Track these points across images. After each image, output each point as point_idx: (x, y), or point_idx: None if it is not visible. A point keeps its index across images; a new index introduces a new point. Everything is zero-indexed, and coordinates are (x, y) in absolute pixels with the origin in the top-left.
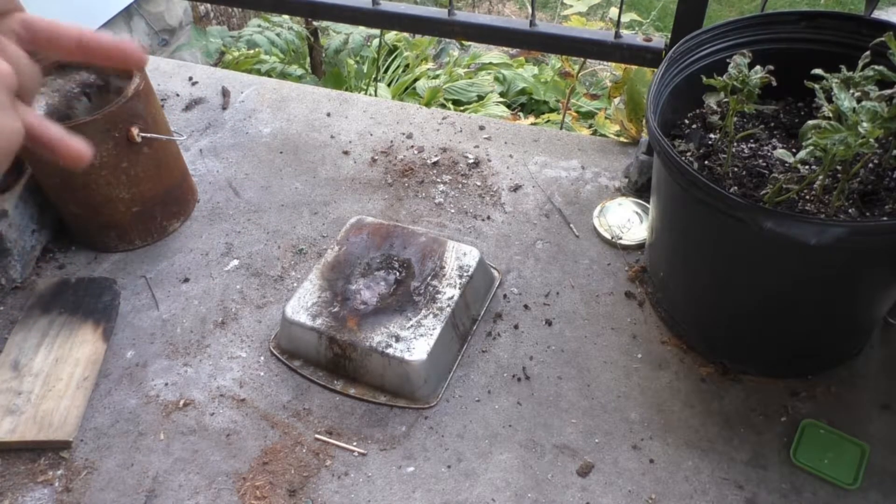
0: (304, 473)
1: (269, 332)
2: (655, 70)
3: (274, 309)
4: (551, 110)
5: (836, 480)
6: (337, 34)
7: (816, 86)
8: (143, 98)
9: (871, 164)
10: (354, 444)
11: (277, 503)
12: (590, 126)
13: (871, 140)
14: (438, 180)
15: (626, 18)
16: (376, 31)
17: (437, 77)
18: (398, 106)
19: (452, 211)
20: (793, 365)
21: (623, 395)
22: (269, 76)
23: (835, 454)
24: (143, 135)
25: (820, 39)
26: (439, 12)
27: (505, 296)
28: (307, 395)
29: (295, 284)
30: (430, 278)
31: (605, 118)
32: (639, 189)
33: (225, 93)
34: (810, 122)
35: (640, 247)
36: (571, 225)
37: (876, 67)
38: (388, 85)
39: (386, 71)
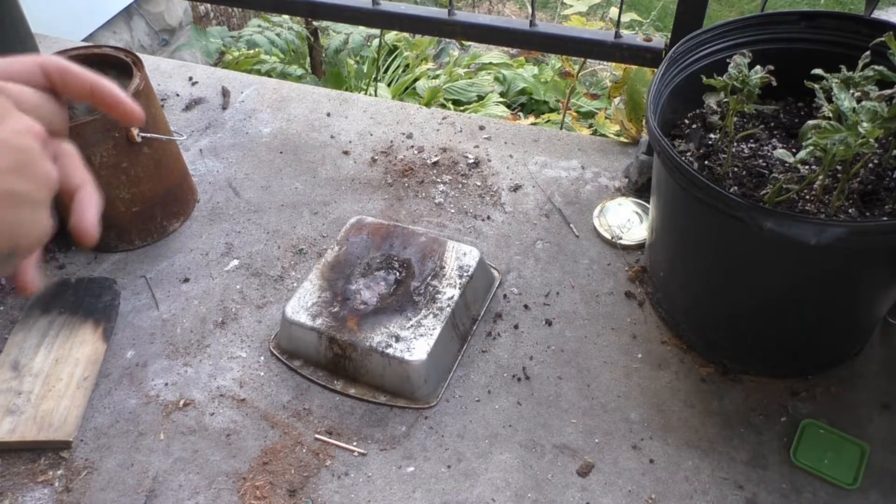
0: (304, 473)
1: (269, 332)
2: (655, 70)
3: (274, 309)
4: (551, 110)
5: (836, 480)
6: (337, 34)
7: (816, 86)
8: (143, 98)
9: (871, 164)
10: (354, 444)
11: (277, 503)
12: (590, 126)
13: (871, 140)
14: (438, 180)
15: (626, 18)
16: (376, 31)
17: (437, 77)
18: (398, 106)
19: (452, 211)
20: (793, 365)
21: (623, 395)
22: (269, 76)
23: (835, 454)
24: (143, 135)
25: (820, 39)
26: (439, 12)
27: (505, 296)
28: (307, 395)
29: (295, 284)
30: (430, 278)
31: (605, 118)
32: (639, 189)
33: (225, 93)
34: (810, 122)
35: (640, 247)
36: (571, 225)
37: (876, 67)
38: (388, 85)
39: (386, 71)
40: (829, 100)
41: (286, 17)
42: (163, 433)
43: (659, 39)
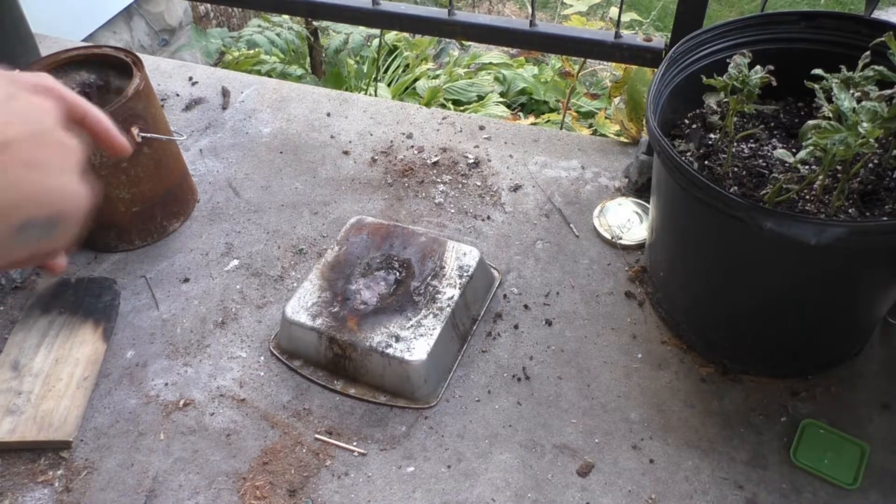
0: (304, 473)
1: (269, 332)
2: (655, 70)
3: (274, 309)
4: (551, 110)
5: (836, 480)
6: (337, 34)
7: (816, 86)
8: (143, 98)
9: (871, 164)
10: (354, 444)
11: (277, 503)
12: (590, 126)
13: (871, 140)
14: (438, 180)
15: (626, 18)
16: (376, 31)
17: (437, 77)
18: (398, 106)
19: (452, 211)
20: (793, 365)
21: (623, 395)
22: (269, 76)
23: (835, 454)
24: (143, 135)
25: (820, 39)
26: (439, 12)
27: (505, 296)
28: (307, 395)
29: (295, 284)
30: (430, 278)
31: (605, 118)
32: (639, 189)
33: (225, 93)
34: (810, 122)
35: (640, 247)
36: (571, 225)
37: (876, 67)
38: (388, 85)
39: (386, 71)
40: (829, 100)
41: (286, 17)
42: (163, 433)
43: (659, 39)
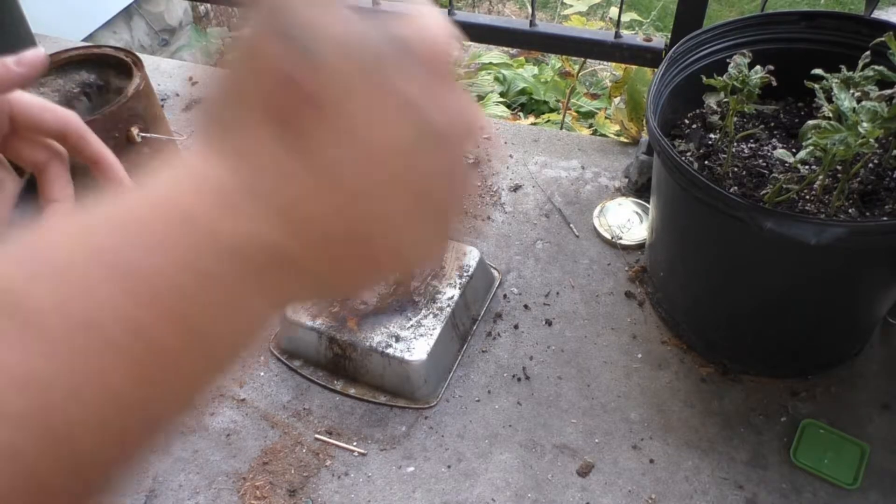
0: (304, 473)
1: (268, 332)
2: (655, 70)
3: None
4: (551, 110)
5: (836, 480)
6: None
7: (816, 86)
8: (143, 98)
9: (871, 164)
10: (354, 444)
11: (277, 503)
12: (590, 126)
13: (871, 140)
14: None
15: (626, 18)
16: None
17: None
18: None
19: None
20: (793, 365)
21: (623, 395)
22: None
23: (835, 454)
24: (143, 135)
25: (820, 39)
26: None
27: (505, 296)
28: (307, 395)
29: None
30: (429, 278)
31: (605, 118)
32: (639, 189)
33: None
34: (810, 122)
35: (640, 247)
36: (571, 225)
37: (876, 67)
38: None
39: None
40: (829, 100)
41: None
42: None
43: (659, 39)
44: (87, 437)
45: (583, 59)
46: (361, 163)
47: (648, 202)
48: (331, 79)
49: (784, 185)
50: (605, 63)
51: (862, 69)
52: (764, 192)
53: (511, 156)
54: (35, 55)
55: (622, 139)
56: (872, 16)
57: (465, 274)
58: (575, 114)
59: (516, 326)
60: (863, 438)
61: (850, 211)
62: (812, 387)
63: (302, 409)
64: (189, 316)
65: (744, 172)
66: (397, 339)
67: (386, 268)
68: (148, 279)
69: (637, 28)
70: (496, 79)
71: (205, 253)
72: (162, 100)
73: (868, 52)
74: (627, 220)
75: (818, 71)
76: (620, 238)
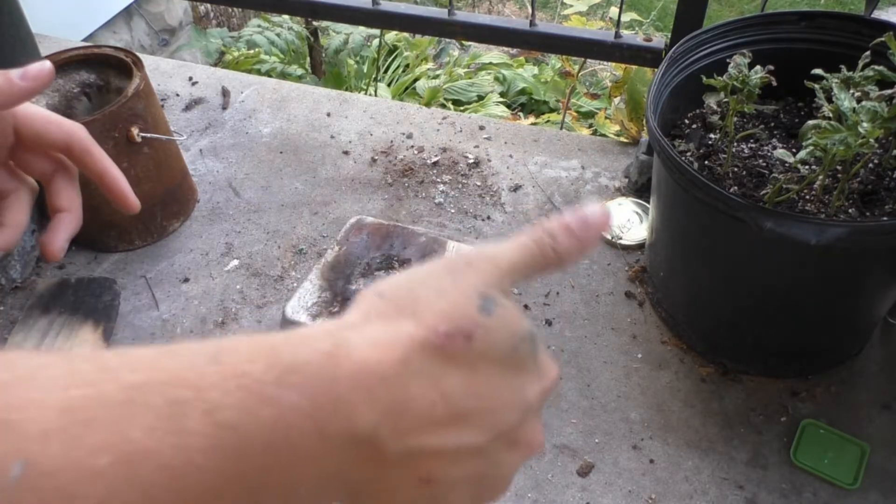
0: None
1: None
2: (655, 70)
3: (274, 309)
4: (551, 110)
5: (836, 480)
6: (337, 34)
7: (816, 86)
8: (143, 98)
9: (871, 164)
10: None
11: None
12: (590, 126)
13: (871, 140)
14: (438, 180)
15: (626, 18)
16: (376, 31)
17: (437, 77)
18: (398, 106)
19: (452, 211)
20: (793, 365)
21: (623, 395)
22: (269, 76)
23: (835, 454)
24: (143, 135)
25: (820, 39)
26: (439, 12)
27: None
28: None
29: (295, 284)
30: None
31: (605, 118)
32: (639, 189)
33: (225, 93)
34: (810, 122)
35: (640, 247)
36: None
37: (876, 67)
38: (388, 85)
39: (386, 71)
40: (829, 100)
41: (286, 17)
42: None
43: (659, 39)
44: None
45: (583, 59)
46: (474, 404)
47: (648, 202)
48: (488, 340)
49: (784, 185)
50: (605, 63)
51: (862, 69)
52: (764, 192)
53: (511, 156)
54: (40, 68)
55: (622, 139)
56: (872, 16)
57: None
58: (575, 114)
59: None
60: (863, 438)
61: (850, 211)
62: (812, 387)
63: None
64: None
65: (744, 172)
66: None
67: None
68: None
69: (637, 28)
70: (496, 79)
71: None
72: (162, 100)
73: (868, 52)
74: (627, 220)
75: (818, 71)
76: (620, 238)
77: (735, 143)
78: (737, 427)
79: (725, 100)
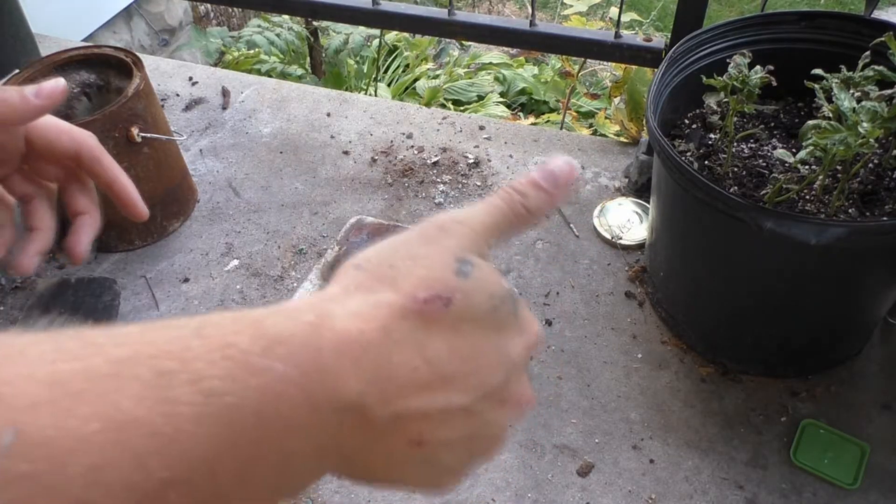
0: None
1: None
2: (655, 70)
3: None
4: (551, 110)
5: (836, 480)
6: (337, 34)
7: (816, 86)
8: (143, 98)
9: (871, 164)
10: None
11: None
12: (590, 126)
13: (871, 140)
14: (438, 180)
15: (626, 18)
16: (376, 31)
17: (437, 77)
18: (398, 106)
19: None
20: (793, 365)
21: (623, 395)
22: (269, 76)
23: (835, 454)
24: (143, 135)
25: (820, 39)
26: (439, 12)
27: None
28: None
29: (295, 284)
30: None
31: (605, 118)
32: (639, 189)
33: (225, 93)
34: (810, 122)
35: (640, 247)
36: (571, 225)
37: (876, 67)
38: (388, 85)
39: (386, 71)
40: (829, 100)
41: (286, 17)
42: None
43: (659, 39)
44: None
45: (583, 59)
46: (458, 364)
47: (648, 202)
48: (467, 303)
49: (784, 185)
50: (605, 63)
51: (862, 69)
52: (764, 192)
53: (511, 156)
54: (54, 87)
55: (622, 139)
56: (872, 16)
57: None
58: (575, 114)
59: None
60: (863, 438)
61: (850, 211)
62: (812, 387)
63: None
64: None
65: (744, 172)
66: None
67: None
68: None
69: (637, 28)
70: (496, 79)
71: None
72: (162, 100)
73: (868, 52)
74: (627, 220)
75: (818, 71)
76: (620, 238)
77: (735, 143)
78: (737, 427)
79: (725, 100)
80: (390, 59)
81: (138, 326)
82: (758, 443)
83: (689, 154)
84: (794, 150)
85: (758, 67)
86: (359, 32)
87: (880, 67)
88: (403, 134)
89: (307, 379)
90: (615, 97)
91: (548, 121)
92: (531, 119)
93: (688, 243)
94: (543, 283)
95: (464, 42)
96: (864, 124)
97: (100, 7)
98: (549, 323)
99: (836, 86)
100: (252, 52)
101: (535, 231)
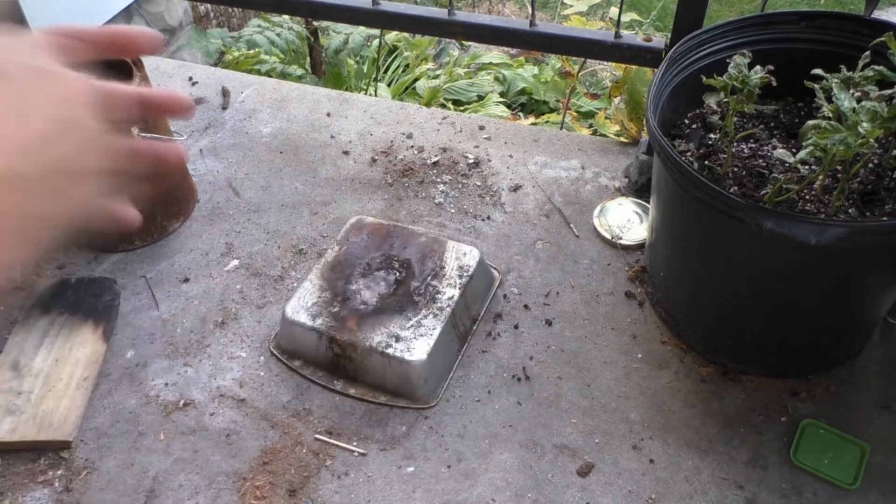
0: (304, 473)
1: (269, 332)
2: (655, 70)
3: (274, 309)
4: (551, 110)
5: (836, 480)
6: (337, 34)
7: (816, 86)
8: None
9: (871, 164)
10: (354, 444)
11: (277, 503)
12: (590, 126)
13: (871, 140)
14: (438, 180)
15: (626, 18)
16: (376, 31)
17: (437, 77)
18: (398, 106)
19: (452, 211)
20: (793, 365)
21: (623, 395)
22: (269, 76)
23: (835, 454)
24: (143, 135)
25: (820, 39)
26: (439, 12)
27: (505, 296)
28: (307, 395)
29: (295, 284)
30: (430, 278)
31: (605, 118)
32: (639, 189)
33: (225, 93)
34: (810, 122)
35: (640, 247)
36: (571, 225)
37: (876, 67)
38: (388, 85)
39: (386, 71)
40: (829, 100)
41: (286, 17)
42: (163, 433)
43: (659, 39)
44: None
45: (583, 59)
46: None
47: (648, 202)
48: None
49: (784, 185)
50: (605, 63)
51: (862, 69)
52: (764, 192)
53: (511, 156)
54: (157, 36)
55: (622, 139)
56: (872, 16)
57: (466, 274)
58: (575, 114)
59: (516, 326)
60: (863, 438)
61: (850, 211)
62: (812, 387)
63: (302, 409)
64: None
65: (744, 172)
66: (397, 339)
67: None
68: None
69: (637, 28)
70: (496, 79)
71: None
72: None
73: (868, 52)
74: (627, 220)
75: (818, 71)
76: (620, 238)
77: (735, 143)
78: (737, 427)
79: (725, 100)
80: (390, 59)
81: None
82: (758, 443)
83: (689, 154)
84: (794, 150)
85: (758, 67)
86: (359, 32)
87: (880, 67)
88: (403, 134)
89: None
90: (615, 97)
91: (548, 121)
92: (531, 119)
93: (688, 243)
94: (543, 283)
95: (464, 42)
96: (864, 124)
97: (100, 7)
98: (549, 323)
99: (836, 86)
100: (252, 52)
101: (535, 231)
